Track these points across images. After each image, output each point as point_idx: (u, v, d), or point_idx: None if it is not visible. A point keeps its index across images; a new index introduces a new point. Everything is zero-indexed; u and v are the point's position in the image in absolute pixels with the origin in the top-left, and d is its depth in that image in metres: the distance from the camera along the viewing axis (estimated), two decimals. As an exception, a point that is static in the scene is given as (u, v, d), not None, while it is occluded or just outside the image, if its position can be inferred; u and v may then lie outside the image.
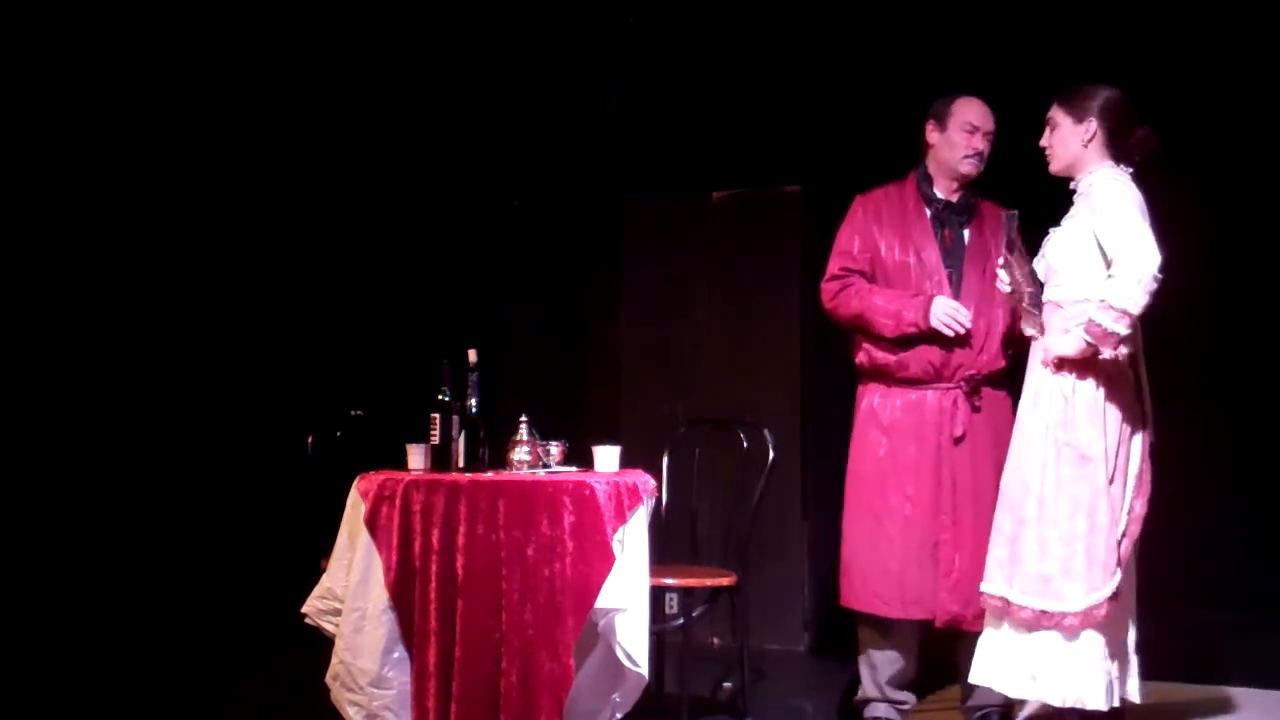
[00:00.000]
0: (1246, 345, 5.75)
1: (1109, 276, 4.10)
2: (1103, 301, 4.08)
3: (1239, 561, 5.61)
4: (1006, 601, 4.22)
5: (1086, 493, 4.16)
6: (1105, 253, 4.15)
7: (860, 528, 4.62)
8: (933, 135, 4.66)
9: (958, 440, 4.53)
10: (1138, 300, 4.05)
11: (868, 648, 4.66)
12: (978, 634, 4.36)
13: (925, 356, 4.55)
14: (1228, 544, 5.60)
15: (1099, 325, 4.08)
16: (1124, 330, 4.07)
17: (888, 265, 4.63)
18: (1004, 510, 4.30)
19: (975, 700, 4.60)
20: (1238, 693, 5.08)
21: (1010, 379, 4.53)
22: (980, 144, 4.59)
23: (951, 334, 4.48)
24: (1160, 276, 4.07)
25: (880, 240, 4.65)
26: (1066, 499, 4.17)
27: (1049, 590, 4.14)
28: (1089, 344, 4.12)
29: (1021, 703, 4.37)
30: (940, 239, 4.62)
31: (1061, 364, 4.22)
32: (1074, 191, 4.34)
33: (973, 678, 4.31)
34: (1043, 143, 4.38)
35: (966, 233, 4.65)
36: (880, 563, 4.54)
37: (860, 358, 4.68)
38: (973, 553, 4.42)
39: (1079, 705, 4.13)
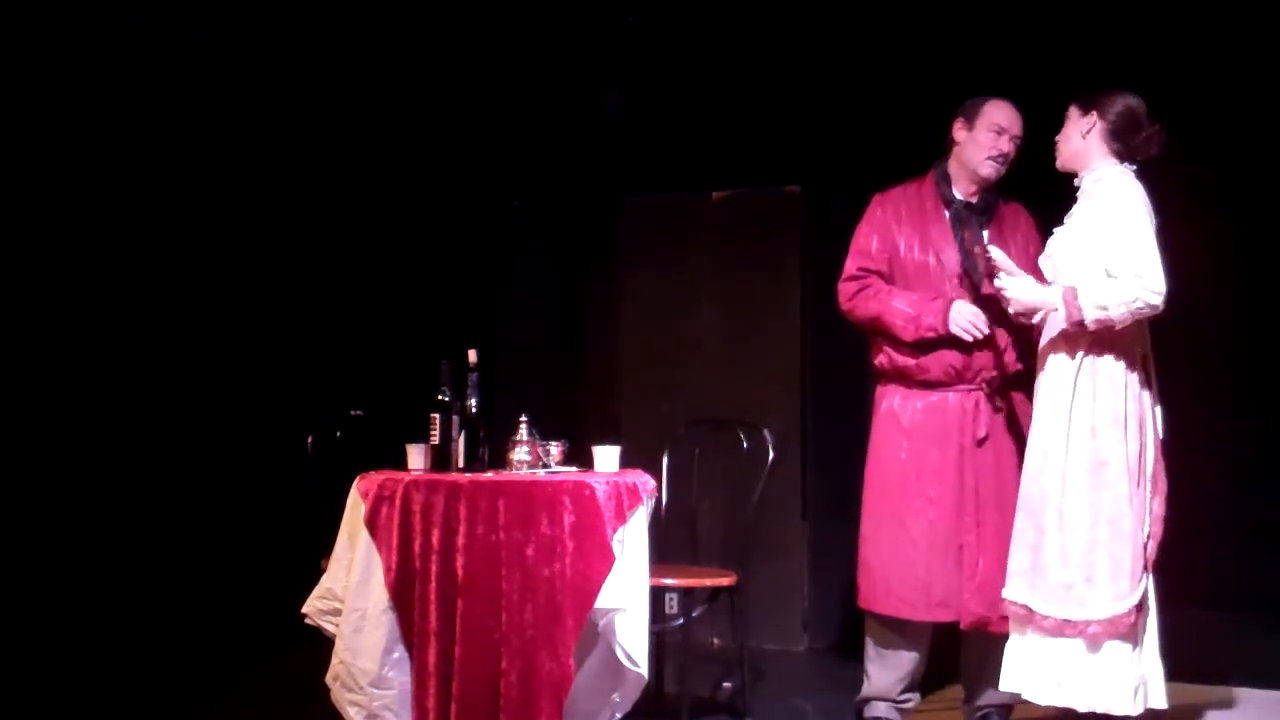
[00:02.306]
0: (1247, 345, 5.75)
1: (1109, 276, 4.11)
2: (1098, 290, 4.08)
3: (1239, 561, 5.61)
4: (1030, 610, 4.19)
5: (1108, 500, 4.14)
6: (1108, 262, 4.13)
7: (882, 530, 4.57)
8: (960, 133, 4.61)
9: (980, 442, 4.50)
10: (1119, 314, 4.07)
11: (882, 647, 4.61)
12: (991, 635, 4.37)
13: (946, 359, 4.51)
14: (1228, 544, 5.60)
15: (1077, 302, 4.10)
16: (1090, 320, 4.08)
17: (907, 265, 4.59)
18: (1026, 517, 4.27)
19: (976, 700, 4.60)
20: (1238, 693, 5.09)
21: (1033, 380, 4.49)
22: (1006, 146, 4.54)
23: (971, 339, 4.45)
24: (1159, 307, 4.08)
25: (899, 240, 4.61)
26: (1086, 507, 4.15)
27: (1071, 598, 4.13)
28: (1057, 303, 4.14)
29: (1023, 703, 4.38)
30: (960, 239, 4.58)
31: (1073, 346, 4.20)
32: (1078, 189, 4.34)
33: (1002, 685, 4.29)
34: (1057, 138, 4.39)
35: (986, 233, 4.60)
36: (904, 566, 4.49)
37: (880, 359, 4.63)
38: (996, 555, 4.38)
39: (1107, 711, 4.10)
